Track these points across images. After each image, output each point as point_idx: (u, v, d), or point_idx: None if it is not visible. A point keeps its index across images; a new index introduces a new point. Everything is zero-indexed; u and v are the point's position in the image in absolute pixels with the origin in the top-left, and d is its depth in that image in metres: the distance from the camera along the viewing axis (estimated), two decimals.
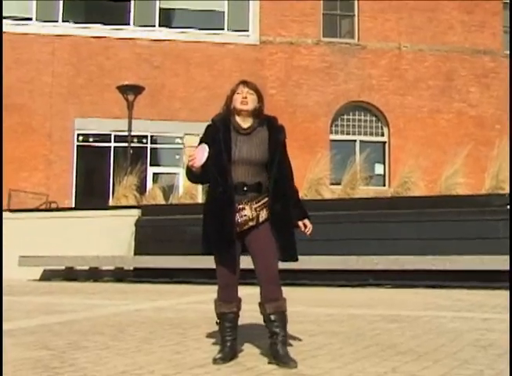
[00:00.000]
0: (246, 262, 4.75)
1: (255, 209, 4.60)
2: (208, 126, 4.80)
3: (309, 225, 4.75)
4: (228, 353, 4.63)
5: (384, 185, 23.12)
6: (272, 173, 4.64)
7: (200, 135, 4.80)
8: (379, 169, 23.89)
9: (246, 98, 4.69)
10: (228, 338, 4.69)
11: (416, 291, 10.88)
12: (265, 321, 4.63)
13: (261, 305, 4.62)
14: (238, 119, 4.72)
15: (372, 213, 12.55)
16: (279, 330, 4.55)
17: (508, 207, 11.80)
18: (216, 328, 4.87)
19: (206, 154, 4.55)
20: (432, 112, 24.30)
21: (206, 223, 4.68)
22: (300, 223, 4.73)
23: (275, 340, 4.55)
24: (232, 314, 4.70)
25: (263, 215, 4.61)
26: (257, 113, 4.74)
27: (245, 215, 4.58)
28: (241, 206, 4.58)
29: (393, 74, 24.38)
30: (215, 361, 4.55)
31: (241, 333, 4.92)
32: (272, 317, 4.57)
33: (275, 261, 4.60)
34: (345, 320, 6.93)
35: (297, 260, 4.68)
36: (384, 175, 23.94)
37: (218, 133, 4.66)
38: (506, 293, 10.18)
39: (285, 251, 4.63)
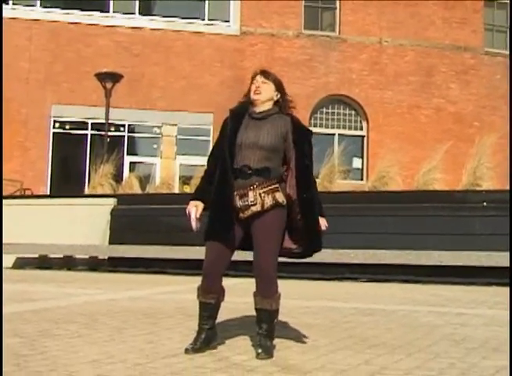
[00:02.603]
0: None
1: (259, 194, 4.44)
2: (225, 118, 4.69)
3: (325, 223, 4.68)
4: (202, 343, 4.55)
5: (362, 179, 23.15)
6: (298, 163, 4.51)
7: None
8: (357, 163, 23.93)
9: (258, 87, 4.57)
10: (204, 326, 4.60)
11: (391, 285, 10.89)
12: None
13: (254, 296, 4.58)
14: (254, 108, 4.62)
15: (349, 207, 12.52)
16: (263, 324, 4.55)
17: (484, 203, 11.85)
18: (190, 319, 4.82)
19: (198, 213, 4.53)
20: (411, 107, 24.35)
21: (210, 207, 4.56)
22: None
23: (258, 331, 4.57)
24: (210, 305, 4.59)
25: (268, 200, 4.44)
26: (276, 102, 4.63)
27: (247, 200, 4.45)
28: (244, 191, 4.46)
29: (373, 68, 24.39)
30: (187, 350, 4.49)
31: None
32: (259, 312, 4.56)
33: (271, 255, 4.47)
34: (320, 313, 6.91)
35: (319, 249, 4.64)
36: (362, 169, 23.98)
37: (230, 123, 4.59)
38: (481, 288, 10.26)
39: (310, 239, 4.57)
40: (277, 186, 4.51)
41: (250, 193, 4.46)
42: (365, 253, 11.60)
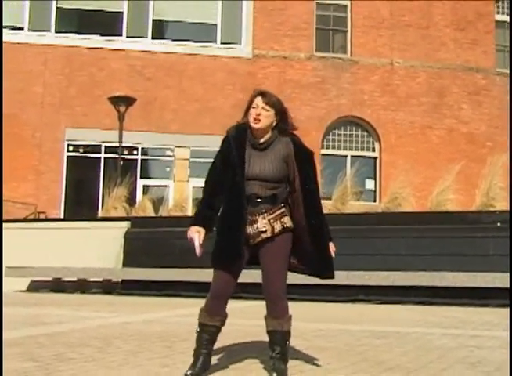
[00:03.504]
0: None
1: (269, 221, 4.47)
2: (224, 140, 4.64)
3: (333, 248, 4.67)
4: (200, 369, 4.48)
5: (375, 200, 23.10)
6: (304, 187, 4.52)
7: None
8: (370, 184, 23.88)
9: (259, 115, 4.48)
10: (203, 351, 4.53)
11: (405, 307, 10.83)
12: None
13: (265, 319, 4.59)
14: (253, 134, 4.56)
15: (362, 228, 12.51)
16: (275, 346, 4.53)
17: (498, 224, 11.79)
18: None
19: (201, 239, 4.49)
20: (423, 128, 24.34)
21: (217, 235, 4.55)
22: None
23: (272, 354, 4.53)
24: (214, 328, 4.57)
25: (277, 226, 4.47)
26: (275, 129, 4.57)
27: (257, 227, 4.47)
28: (254, 218, 4.47)
29: (385, 89, 24.44)
30: None
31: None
32: (271, 334, 4.55)
33: (280, 277, 4.50)
34: (334, 336, 6.88)
35: (333, 277, 4.63)
36: (375, 191, 23.93)
37: (232, 148, 4.51)
38: (496, 310, 10.17)
39: (323, 267, 4.60)
40: (284, 210, 4.54)
41: (260, 220, 4.48)
42: (378, 275, 11.56)
